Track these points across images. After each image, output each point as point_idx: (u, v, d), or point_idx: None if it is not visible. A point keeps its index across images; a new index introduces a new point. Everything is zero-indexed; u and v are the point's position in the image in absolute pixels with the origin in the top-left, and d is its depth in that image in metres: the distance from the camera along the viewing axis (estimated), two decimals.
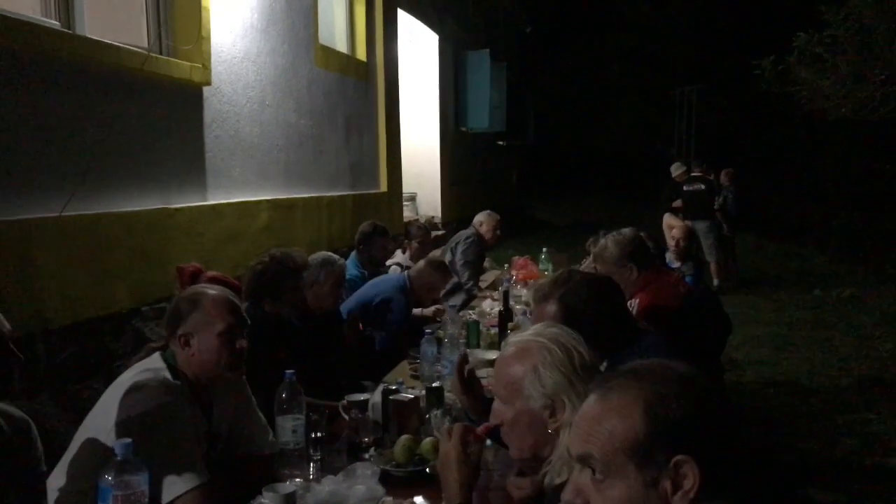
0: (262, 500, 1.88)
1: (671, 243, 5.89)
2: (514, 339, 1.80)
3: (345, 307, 4.11)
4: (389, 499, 1.99)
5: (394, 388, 2.63)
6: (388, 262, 5.28)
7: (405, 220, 8.06)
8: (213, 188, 4.52)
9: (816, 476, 4.13)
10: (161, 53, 4.16)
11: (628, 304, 3.01)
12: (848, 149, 12.86)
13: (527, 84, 17.34)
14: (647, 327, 2.59)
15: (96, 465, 1.85)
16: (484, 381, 2.45)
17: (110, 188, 3.66)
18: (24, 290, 3.08)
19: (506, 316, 4.09)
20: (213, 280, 2.54)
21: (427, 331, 3.37)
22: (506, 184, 16.58)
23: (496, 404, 1.75)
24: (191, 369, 2.10)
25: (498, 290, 5.26)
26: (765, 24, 15.90)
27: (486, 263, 6.87)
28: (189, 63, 4.25)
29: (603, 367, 1.82)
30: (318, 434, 2.28)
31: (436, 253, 5.22)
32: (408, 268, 5.02)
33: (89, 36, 3.59)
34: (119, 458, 1.59)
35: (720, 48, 19.54)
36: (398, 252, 5.66)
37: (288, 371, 2.26)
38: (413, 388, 2.85)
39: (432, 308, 4.60)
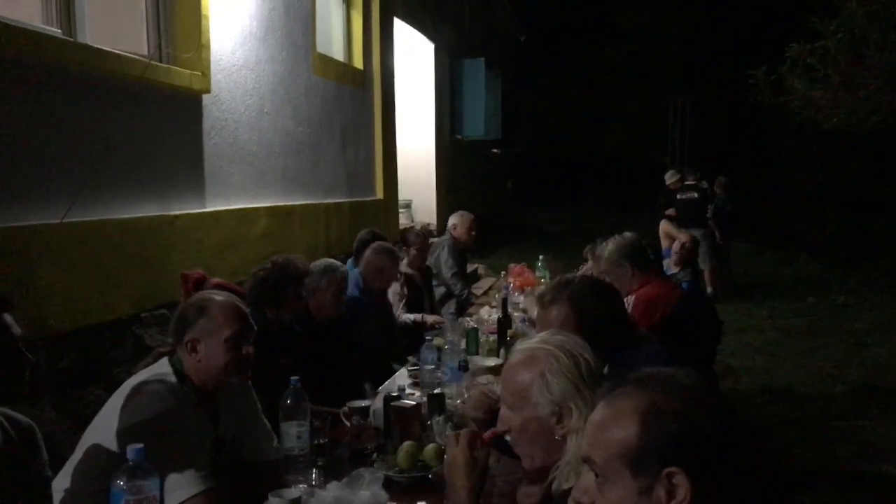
0: None
1: (674, 247, 5.93)
2: (520, 346, 1.82)
3: None
4: None
5: (395, 394, 2.64)
6: None
7: (401, 227, 8.08)
8: (211, 195, 4.53)
9: (810, 483, 4.15)
10: (161, 61, 4.17)
11: (624, 301, 3.09)
12: (841, 157, 12.92)
13: (522, 92, 17.41)
14: (647, 333, 2.63)
15: (102, 469, 1.87)
16: (483, 387, 2.48)
17: (110, 195, 3.67)
18: (24, 296, 3.08)
19: (505, 323, 4.10)
20: (219, 286, 2.55)
21: (427, 337, 3.38)
22: (500, 191, 16.61)
23: (503, 411, 1.77)
24: (197, 375, 2.12)
25: (494, 297, 5.28)
26: (758, 35, 16.00)
27: (481, 270, 6.86)
28: (189, 71, 4.27)
29: (605, 370, 1.84)
30: (322, 440, 2.30)
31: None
32: (406, 274, 5.04)
33: (90, 44, 3.60)
34: (131, 462, 1.60)
35: (714, 58, 19.66)
36: None
37: (293, 378, 2.27)
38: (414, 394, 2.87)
39: (432, 317, 4.60)
